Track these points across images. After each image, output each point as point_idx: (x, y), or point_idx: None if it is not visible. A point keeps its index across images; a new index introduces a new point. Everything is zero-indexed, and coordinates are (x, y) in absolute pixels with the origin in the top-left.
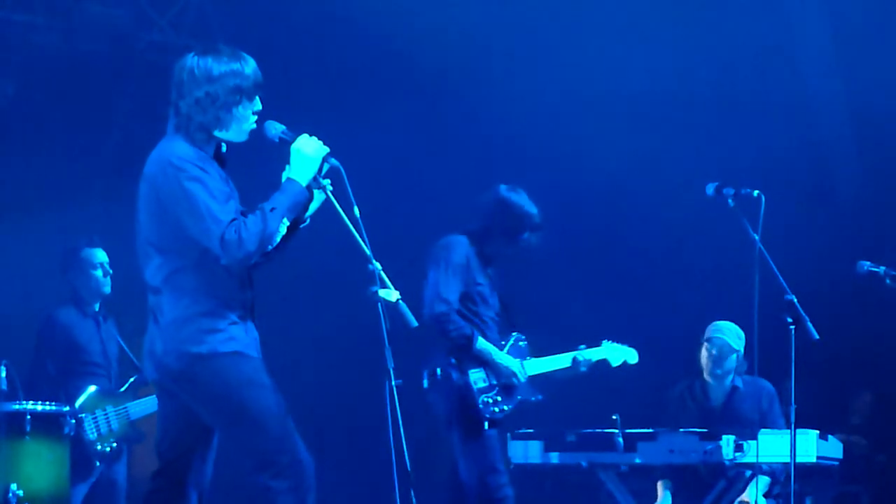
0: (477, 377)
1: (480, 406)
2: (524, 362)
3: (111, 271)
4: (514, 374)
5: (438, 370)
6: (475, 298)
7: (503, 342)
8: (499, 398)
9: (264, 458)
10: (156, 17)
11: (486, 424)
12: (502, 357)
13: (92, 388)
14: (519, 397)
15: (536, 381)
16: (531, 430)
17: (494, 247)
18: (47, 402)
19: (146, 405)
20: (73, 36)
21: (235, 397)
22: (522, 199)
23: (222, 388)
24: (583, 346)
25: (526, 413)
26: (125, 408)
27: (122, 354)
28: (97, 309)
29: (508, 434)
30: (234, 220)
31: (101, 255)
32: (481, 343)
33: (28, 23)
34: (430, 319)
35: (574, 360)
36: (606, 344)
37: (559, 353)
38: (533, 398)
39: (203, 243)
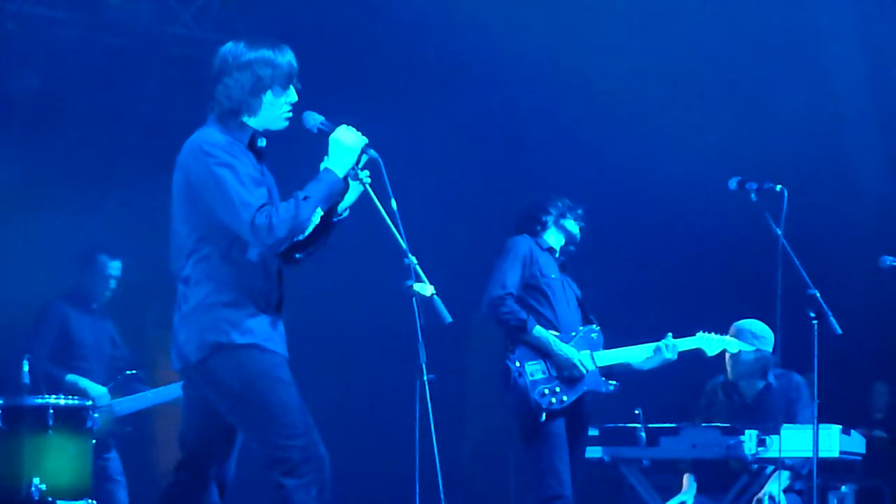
0: (534, 368)
1: (536, 397)
2: (594, 353)
3: (114, 285)
4: (575, 365)
5: (505, 365)
6: (544, 290)
7: (571, 334)
8: (558, 389)
9: (277, 455)
10: (179, 10)
11: (543, 416)
12: (562, 347)
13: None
14: (585, 388)
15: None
16: None
17: (551, 240)
18: (71, 397)
19: (133, 402)
20: (97, 30)
21: (250, 390)
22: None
23: (238, 381)
24: (670, 335)
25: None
26: (109, 405)
27: (114, 351)
28: (94, 307)
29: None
30: (264, 204)
31: (116, 269)
32: (538, 331)
33: (52, 17)
34: (486, 306)
35: (657, 350)
36: (701, 335)
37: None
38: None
39: (233, 229)
